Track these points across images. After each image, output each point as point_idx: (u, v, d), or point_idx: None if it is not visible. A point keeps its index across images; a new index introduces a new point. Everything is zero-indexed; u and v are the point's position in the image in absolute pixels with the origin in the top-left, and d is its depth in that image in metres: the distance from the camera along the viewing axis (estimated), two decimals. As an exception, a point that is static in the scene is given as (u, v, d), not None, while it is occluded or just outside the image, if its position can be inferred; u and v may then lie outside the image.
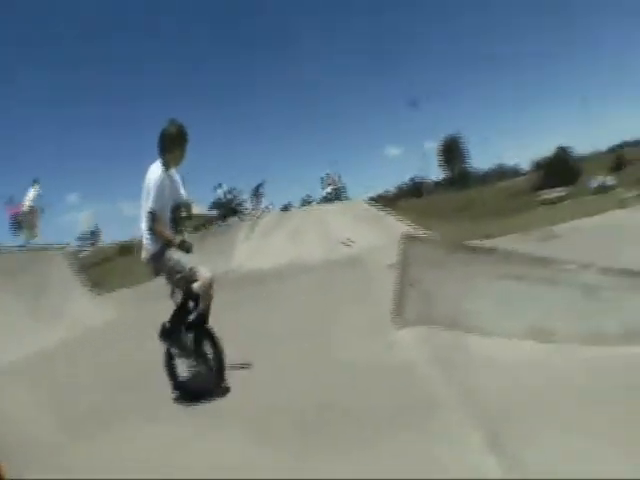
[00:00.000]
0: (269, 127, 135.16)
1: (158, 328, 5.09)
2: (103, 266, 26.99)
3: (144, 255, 4.97)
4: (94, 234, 78.12)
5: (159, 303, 11.31)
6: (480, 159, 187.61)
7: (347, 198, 30.40)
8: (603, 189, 41.99)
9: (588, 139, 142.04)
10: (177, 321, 4.97)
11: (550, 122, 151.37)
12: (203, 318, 4.90)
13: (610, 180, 45.90)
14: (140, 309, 11.11)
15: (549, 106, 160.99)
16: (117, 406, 5.27)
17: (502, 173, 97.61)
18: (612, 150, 78.28)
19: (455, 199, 61.97)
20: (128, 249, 36.33)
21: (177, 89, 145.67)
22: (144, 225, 4.80)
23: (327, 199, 29.11)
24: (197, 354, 4.96)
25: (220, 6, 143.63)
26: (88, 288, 11.86)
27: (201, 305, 4.87)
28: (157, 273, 5.05)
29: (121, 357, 7.15)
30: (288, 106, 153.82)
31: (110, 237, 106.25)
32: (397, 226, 22.49)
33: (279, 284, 11.81)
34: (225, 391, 5.02)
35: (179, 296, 5.00)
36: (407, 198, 77.20)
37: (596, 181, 46.39)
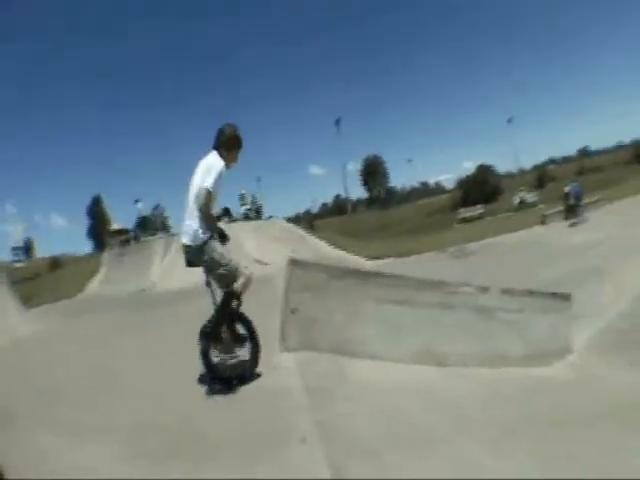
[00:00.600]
0: (192, 141, 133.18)
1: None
2: (34, 281, 27.50)
3: (187, 240, 4.96)
4: (27, 246, 78.08)
5: (79, 319, 11.58)
6: (404, 177, 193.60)
7: (269, 216, 30.25)
8: (524, 206, 43.90)
9: (514, 158, 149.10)
10: (221, 317, 5.03)
11: (477, 141, 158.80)
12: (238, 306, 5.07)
13: (532, 197, 48.09)
14: (63, 324, 11.49)
15: (476, 125, 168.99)
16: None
17: (425, 191, 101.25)
18: (537, 168, 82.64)
19: (376, 217, 63.40)
20: (57, 264, 39.66)
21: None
22: (196, 203, 4.84)
23: (247, 217, 28.88)
24: (236, 341, 5.12)
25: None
26: (19, 302, 11.81)
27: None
28: (192, 262, 5.03)
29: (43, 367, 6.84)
30: (211, 121, 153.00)
31: (44, 248, 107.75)
32: (314, 245, 22.52)
33: (186, 305, 11.63)
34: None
35: (217, 290, 5.05)
36: (330, 216, 78.38)
37: (518, 198, 48.54)
